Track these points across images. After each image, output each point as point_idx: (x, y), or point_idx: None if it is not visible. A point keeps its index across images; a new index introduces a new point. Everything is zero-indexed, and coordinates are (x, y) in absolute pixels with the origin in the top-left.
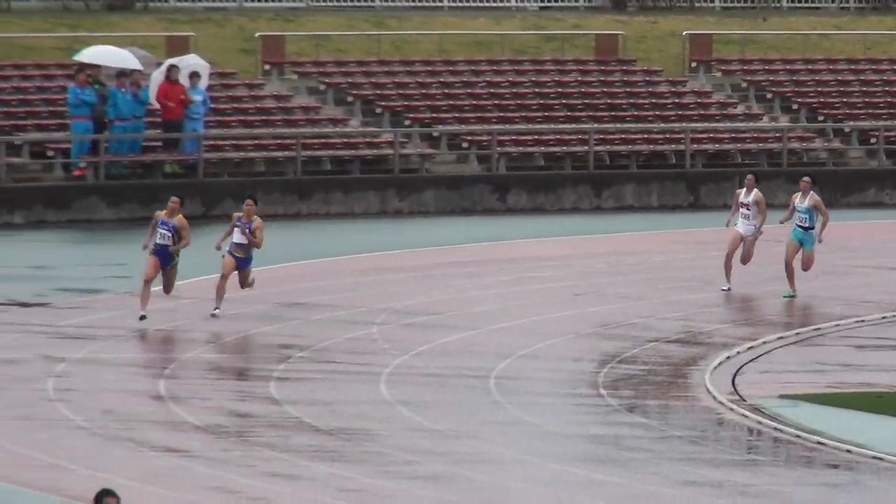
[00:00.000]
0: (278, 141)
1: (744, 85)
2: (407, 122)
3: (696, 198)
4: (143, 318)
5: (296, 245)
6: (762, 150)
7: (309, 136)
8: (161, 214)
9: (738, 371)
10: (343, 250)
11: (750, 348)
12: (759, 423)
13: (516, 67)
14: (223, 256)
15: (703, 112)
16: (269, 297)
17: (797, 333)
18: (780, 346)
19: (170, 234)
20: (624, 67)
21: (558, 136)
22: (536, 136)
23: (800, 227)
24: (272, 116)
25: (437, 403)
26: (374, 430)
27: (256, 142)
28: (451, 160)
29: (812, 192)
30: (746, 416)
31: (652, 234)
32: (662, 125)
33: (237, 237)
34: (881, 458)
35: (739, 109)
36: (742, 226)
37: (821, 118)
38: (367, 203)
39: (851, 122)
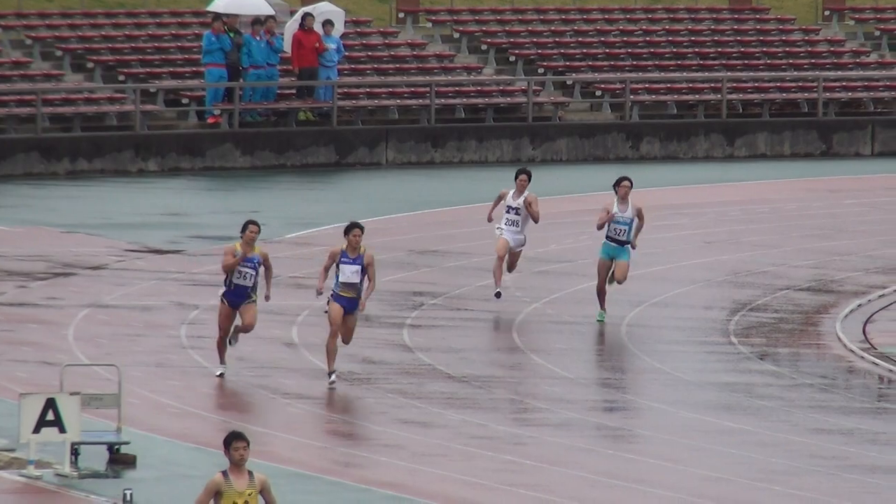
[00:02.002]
0: (412, 89)
1: (877, 33)
2: (540, 71)
3: (829, 146)
4: (221, 374)
5: (429, 193)
6: (895, 98)
7: (443, 84)
8: (237, 249)
9: (868, 319)
10: (476, 198)
11: (881, 296)
12: (890, 371)
13: (650, 16)
14: (328, 304)
15: (835, 60)
16: (403, 245)
17: None
18: None
19: (254, 273)
20: (757, 16)
21: (691, 85)
22: (669, 85)
23: (614, 240)
24: (406, 64)
25: (569, 351)
26: (506, 377)
27: (390, 90)
28: (584, 108)
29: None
30: (877, 364)
31: (784, 182)
32: (795, 73)
33: (346, 275)
34: None
35: (872, 58)
36: (509, 234)
37: None
38: (500, 151)
39: None
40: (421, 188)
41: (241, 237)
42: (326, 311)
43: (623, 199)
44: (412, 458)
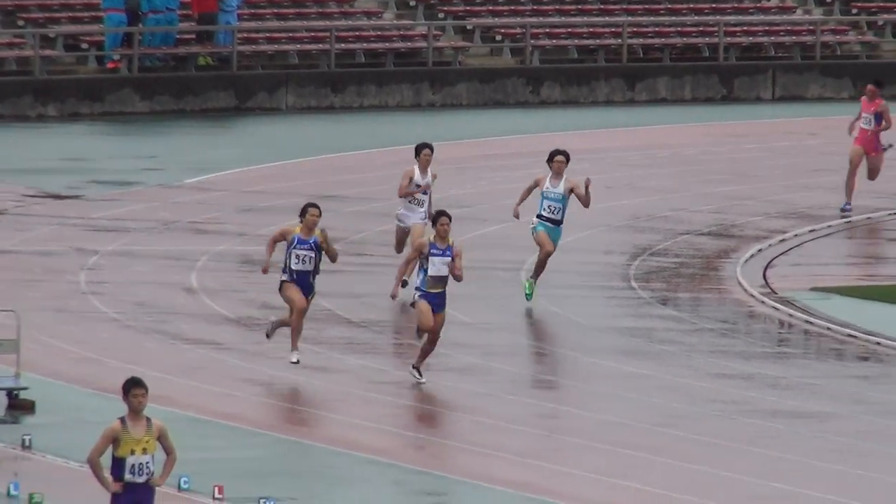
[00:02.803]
0: (312, 34)
1: None
2: (440, 15)
3: (730, 90)
4: (296, 361)
5: (329, 138)
6: (795, 43)
7: (343, 29)
8: (295, 231)
9: (769, 264)
10: (376, 143)
11: (782, 241)
12: (790, 315)
13: None
14: (414, 300)
15: (736, 5)
16: (302, 190)
17: (829, 226)
18: (812, 239)
19: (312, 255)
20: None
21: (591, 30)
22: (570, 29)
23: (549, 220)
24: (306, 9)
25: (470, 296)
26: (407, 323)
27: (290, 35)
28: (484, 53)
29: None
30: (777, 309)
31: (685, 126)
32: (696, 18)
33: (436, 268)
34: None
35: (773, 2)
36: (414, 215)
37: (854, 11)
38: (400, 96)
39: (885, 15)
40: (321, 133)
41: (301, 221)
42: (413, 305)
43: (557, 175)
44: (311, 404)
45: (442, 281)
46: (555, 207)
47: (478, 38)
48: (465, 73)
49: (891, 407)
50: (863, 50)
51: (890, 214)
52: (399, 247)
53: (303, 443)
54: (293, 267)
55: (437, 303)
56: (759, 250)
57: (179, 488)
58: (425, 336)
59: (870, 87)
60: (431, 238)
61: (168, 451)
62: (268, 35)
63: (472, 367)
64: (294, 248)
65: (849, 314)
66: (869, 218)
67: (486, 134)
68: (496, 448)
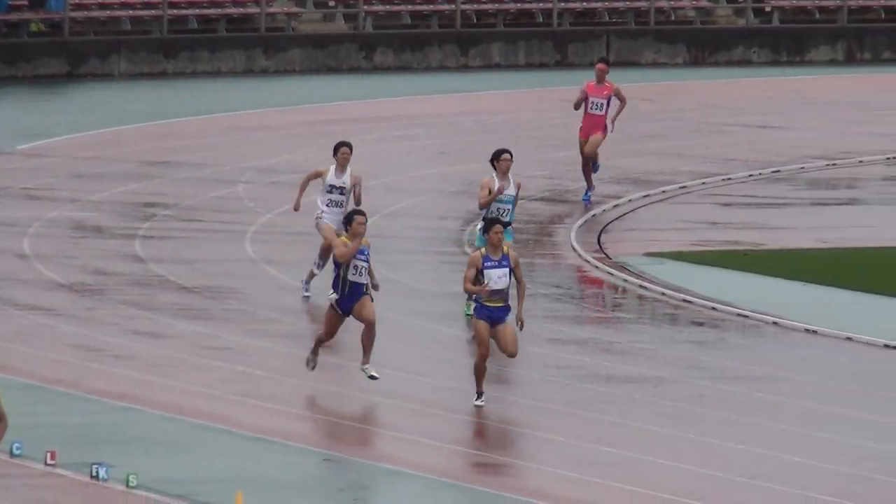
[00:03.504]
0: (145, 0)
1: None
2: None
3: (564, 56)
4: (312, 363)
5: (161, 104)
6: (629, 9)
7: None
8: (347, 242)
9: (603, 229)
10: (209, 109)
11: (615, 206)
12: (625, 280)
13: None
14: (470, 313)
15: None
16: (135, 156)
17: (663, 191)
18: (646, 204)
19: (367, 265)
20: None
21: None
22: None
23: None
24: None
25: (302, 262)
26: (239, 288)
27: (123, 1)
28: (317, 19)
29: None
30: (612, 274)
31: (518, 92)
32: None
33: (493, 281)
34: (746, 316)
35: None
36: (332, 217)
37: None
38: (233, 62)
39: None
40: (153, 99)
41: (347, 230)
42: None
43: (504, 175)
44: (144, 370)
45: (501, 294)
46: (504, 210)
47: (310, 4)
48: (298, 39)
49: (725, 372)
50: (697, 16)
51: (723, 180)
52: (326, 252)
53: (135, 409)
54: (350, 278)
55: (497, 315)
56: (593, 215)
57: (12, 454)
58: (486, 359)
59: (599, 66)
60: (484, 250)
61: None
62: (100, 1)
63: (305, 333)
64: (354, 259)
65: (683, 279)
66: (703, 183)
67: (319, 100)
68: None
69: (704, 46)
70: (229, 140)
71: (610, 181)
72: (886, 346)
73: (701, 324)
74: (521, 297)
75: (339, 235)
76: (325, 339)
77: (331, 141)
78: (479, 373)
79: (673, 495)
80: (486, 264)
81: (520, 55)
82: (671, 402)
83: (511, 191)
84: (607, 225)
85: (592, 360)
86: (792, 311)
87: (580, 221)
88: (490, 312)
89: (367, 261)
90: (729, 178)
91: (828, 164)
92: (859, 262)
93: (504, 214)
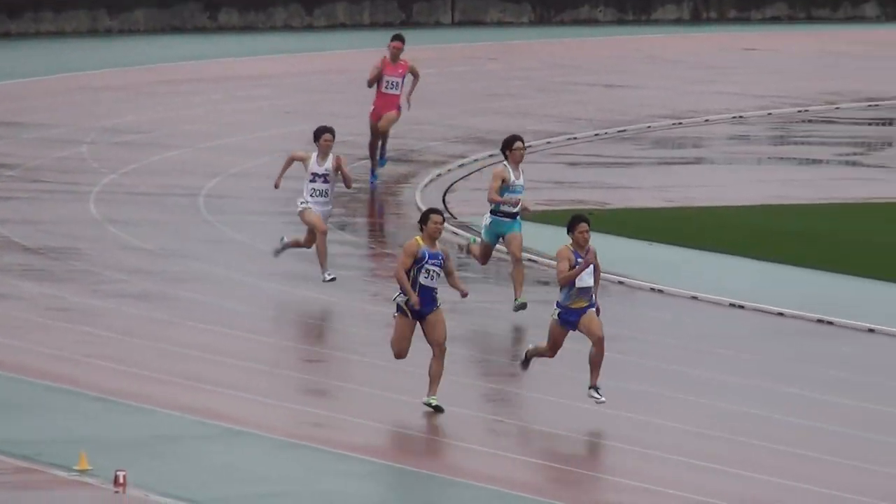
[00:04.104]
0: None
1: None
2: None
3: (409, 15)
4: (435, 408)
5: (5, 64)
6: None
7: None
8: (420, 245)
9: (448, 188)
10: (53, 70)
11: (461, 166)
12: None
13: None
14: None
15: None
16: None
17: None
18: (491, 164)
19: (440, 272)
20: None
21: None
22: None
23: (507, 214)
24: None
25: (147, 222)
26: (83, 249)
27: None
28: None
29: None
30: (457, 234)
31: (363, 52)
32: None
33: (582, 279)
34: None
35: None
36: (318, 207)
37: None
38: (77, 22)
39: None
40: None
41: (423, 231)
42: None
43: (517, 165)
44: None
45: (587, 294)
46: (516, 200)
47: None
48: None
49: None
50: None
51: (569, 139)
52: (311, 236)
53: None
54: (421, 282)
55: (576, 320)
56: (439, 175)
57: None
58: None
59: (394, 44)
60: (571, 245)
61: None
62: None
63: (149, 294)
64: (426, 263)
65: (528, 239)
66: (548, 142)
67: (163, 60)
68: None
69: (550, 5)
70: (74, 101)
71: (455, 141)
72: (732, 305)
73: (546, 283)
74: (597, 280)
75: (318, 220)
76: (397, 353)
77: (176, 101)
78: (539, 354)
79: (527, 456)
80: (577, 261)
81: (364, 14)
82: (515, 363)
83: (522, 181)
84: (453, 185)
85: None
86: (637, 270)
87: (425, 181)
88: (576, 317)
89: (441, 266)
90: (574, 138)
91: (674, 124)
92: (705, 222)
93: (516, 205)
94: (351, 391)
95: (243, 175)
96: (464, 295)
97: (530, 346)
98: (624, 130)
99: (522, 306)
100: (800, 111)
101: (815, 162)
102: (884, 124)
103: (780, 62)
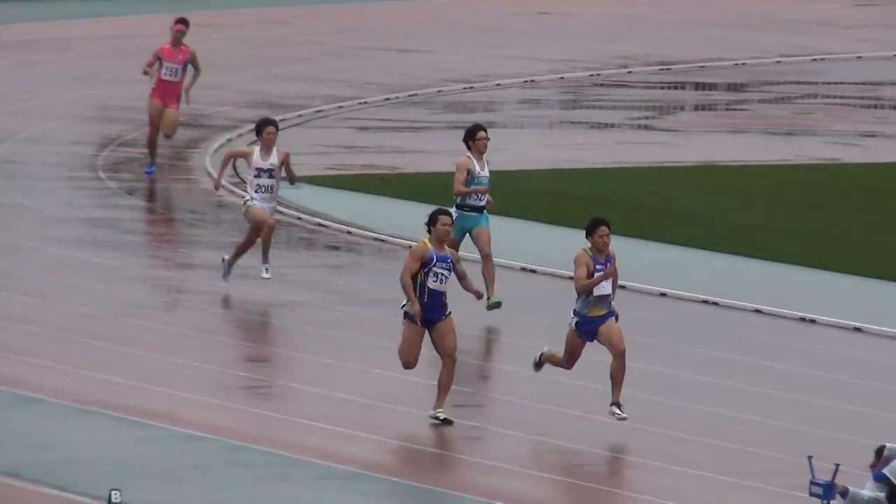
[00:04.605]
0: None
1: None
2: None
3: None
4: (443, 421)
5: None
6: None
7: None
8: (428, 247)
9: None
10: None
11: (251, 130)
12: None
13: None
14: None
15: None
16: None
17: (299, 115)
18: (283, 129)
19: (448, 273)
20: None
21: None
22: None
23: (474, 208)
24: None
25: None
26: None
27: None
28: None
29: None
30: (233, 192)
31: (153, 17)
32: None
33: (602, 288)
34: (382, 240)
35: None
36: (263, 203)
37: None
38: None
39: None
40: None
41: (431, 232)
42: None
43: (481, 155)
44: None
45: (605, 301)
46: (484, 191)
47: None
48: None
49: (362, 296)
50: None
51: (360, 104)
52: (253, 234)
53: None
54: (430, 286)
55: (594, 329)
56: (229, 140)
57: None
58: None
59: (177, 26)
60: (589, 250)
61: None
62: None
63: None
64: (434, 265)
65: (319, 204)
66: (340, 107)
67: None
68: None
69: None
70: None
71: (246, 106)
72: (523, 269)
73: (337, 248)
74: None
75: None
76: (406, 362)
77: None
78: (555, 363)
79: (309, 420)
80: (596, 269)
81: None
82: (308, 327)
83: (487, 171)
84: None
85: (229, 285)
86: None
87: (215, 146)
88: (594, 326)
89: (450, 269)
90: (365, 102)
91: (465, 88)
92: (496, 185)
93: (482, 198)
94: (151, 359)
95: (32, 140)
96: (479, 296)
97: (545, 349)
98: (415, 95)
99: (497, 305)
100: (591, 75)
101: (606, 126)
102: (675, 88)
103: (572, 26)
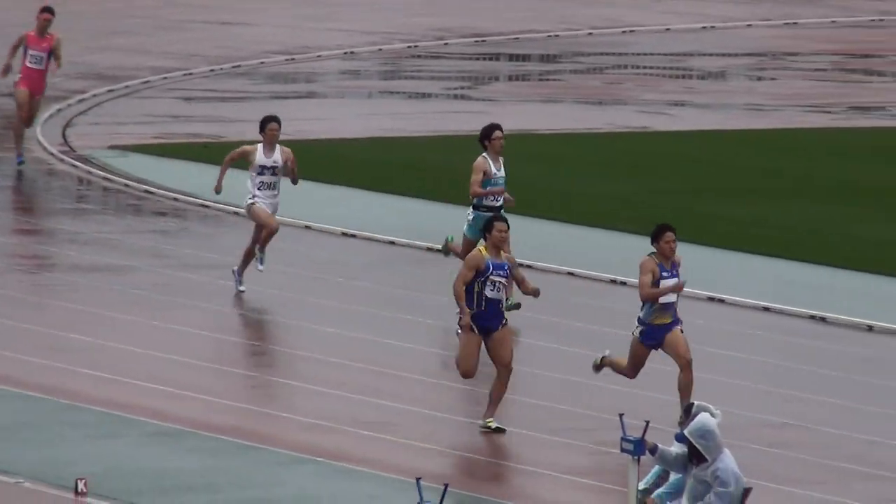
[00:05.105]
0: None
1: None
2: None
3: None
4: (497, 429)
5: None
6: None
7: None
8: (484, 255)
9: (68, 123)
10: None
11: (81, 101)
12: (89, 173)
13: None
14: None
15: None
16: None
17: (126, 86)
18: (111, 99)
19: (505, 281)
20: None
21: None
22: None
23: (490, 208)
24: None
25: None
26: None
27: None
28: None
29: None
30: (76, 167)
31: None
32: None
33: (668, 296)
34: (207, 206)
35: None
36: (266, 201)
37: None
38: None
39: None
40: None
41: (486, 239)
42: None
43: (497, 155)
44: None
45: (671, 309)
46: (500, 191)
47: None
48: None
49: (186, 260)
50: None
51: (185, 75)
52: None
53: None
54: (488, 295)
55: (660, 337)
56: (59, 110)
57: None
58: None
59: (43, 15)
60: (653, 256)
61: None
62: None
63: None
64: (491, 274)
65: (146, 171)
66: (165, 78)
67: None
68: None
69: None
70: None
71: (76, 77)
72: (344, 234)
73: (164, 214)
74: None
75: (267, 216)
76: (464, 372)
77: None
78: (618, 370)
79: (135, 379)
80: (662, 274)
81: None
82: (136, 290)
83: (503, 171)
84: (72, 119)
85: (59, 250)
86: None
87: (45, 116)
88: (661, 335)
89: (507, 277)
90: (190, 73)
91: (287, 59)
92: (318, 154)
93: (499, 198)
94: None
95: None
96: (536, 295)
97: (607, 353)
98: (238, 66)
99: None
100: (409, 47)
101: (423, 96)
102: (490, 59)
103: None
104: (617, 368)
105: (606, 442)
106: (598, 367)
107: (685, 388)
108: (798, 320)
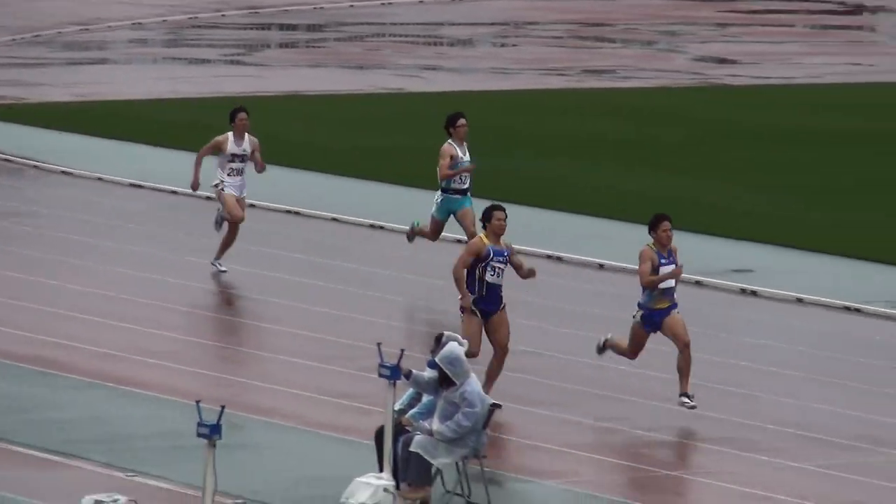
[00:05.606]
0: None
1: None
2: None
3: None
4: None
5: None
6: None
7: None
8: (485, 242)
9: None
10: None
11: None
12: None
13: None
14: (635, 326)
15: None
16: None
17: None
18: None
19: (504, 266)
20: None
21: None
22: None
23: (458, 191)
24: None
25: None
26: None
27: None
28: None
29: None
30: None
31: None
32: None
33: (667, 281)
34: (9, 160)
35: None
36: (234, 185)
37: None
38: None
39: None
40: None
41: (486, 228)
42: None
43: (462, 141)
44: None
45: (669, 294)
46: (465, 176)
47: None
48: None
49: None
50: None
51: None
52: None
53: None
54: (488, 280)
55: (658, 321)
56: None
57: None
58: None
59: None
60: (651, 245)
61: None
62: None
63: None
64: (491, 260)
65: None
66: None
67: None
68: None
69: None
70: None
71: None
72: (132, 185)
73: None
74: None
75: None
76: (471, 351)
77: None
78: (684, 371)
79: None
80: (661, 261)
81: None
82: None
83: (468, 155)
84: None
85: None
86: (50, 156)
87: None
88: (659, 318)
89: (506, 262)
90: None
91: (81, 30)
92: (109, 113)
93: (466, 180)
94: None
95: None
96: (533, 274)
97: (610, 335)
98: (38, 35)
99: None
100: (190, 18)
101: (202, 61)
102: (263, 29)
103: None
104: (618, 350)
105: (366, 367)
106: (600, 349)
107: (684, 368)
108: (536, 258)
